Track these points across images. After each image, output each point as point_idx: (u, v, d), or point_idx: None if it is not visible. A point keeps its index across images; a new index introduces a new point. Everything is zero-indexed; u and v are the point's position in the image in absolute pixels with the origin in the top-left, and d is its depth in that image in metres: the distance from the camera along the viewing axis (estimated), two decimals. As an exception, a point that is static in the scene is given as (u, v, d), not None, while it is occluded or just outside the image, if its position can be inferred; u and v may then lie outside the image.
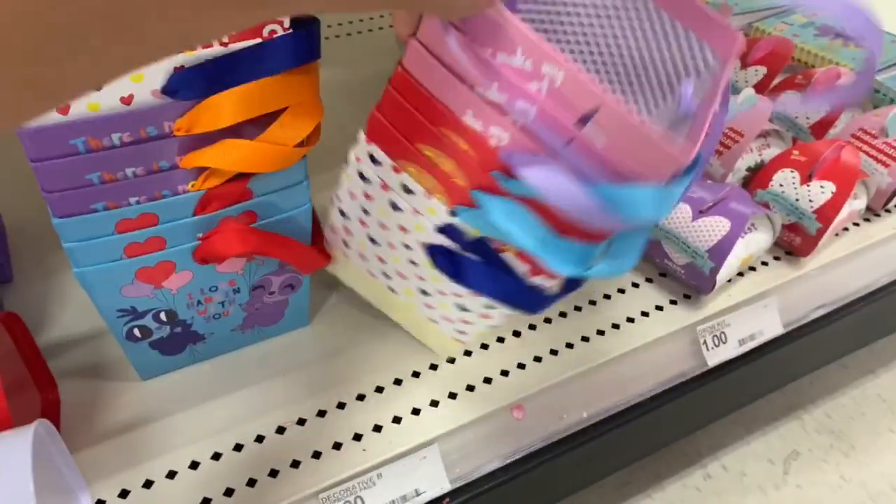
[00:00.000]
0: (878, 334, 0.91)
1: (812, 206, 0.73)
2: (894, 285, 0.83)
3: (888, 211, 0.85)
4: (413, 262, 0.55)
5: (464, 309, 0.57)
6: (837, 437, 0.94)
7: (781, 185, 0.76)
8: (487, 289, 0.52)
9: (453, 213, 0.49)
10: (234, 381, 0.64)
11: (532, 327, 0.70)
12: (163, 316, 0.58)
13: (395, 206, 0.52)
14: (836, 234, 0.81)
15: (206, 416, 0.62)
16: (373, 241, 0.57)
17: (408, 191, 0.51)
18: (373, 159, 0.50)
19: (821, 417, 0.96)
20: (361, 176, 0.52)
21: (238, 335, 0.65)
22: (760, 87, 0.92)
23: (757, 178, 0.78)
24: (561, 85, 0.40)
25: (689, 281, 0.72)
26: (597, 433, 0.67)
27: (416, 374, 0.65)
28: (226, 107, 0.43)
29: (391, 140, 0.48)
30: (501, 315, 0.55)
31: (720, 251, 0.68)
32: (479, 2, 0.34)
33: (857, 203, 0.78)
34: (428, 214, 0.51)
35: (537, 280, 0.50)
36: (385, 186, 0.51)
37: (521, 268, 0.50)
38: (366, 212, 0.55)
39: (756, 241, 0.73)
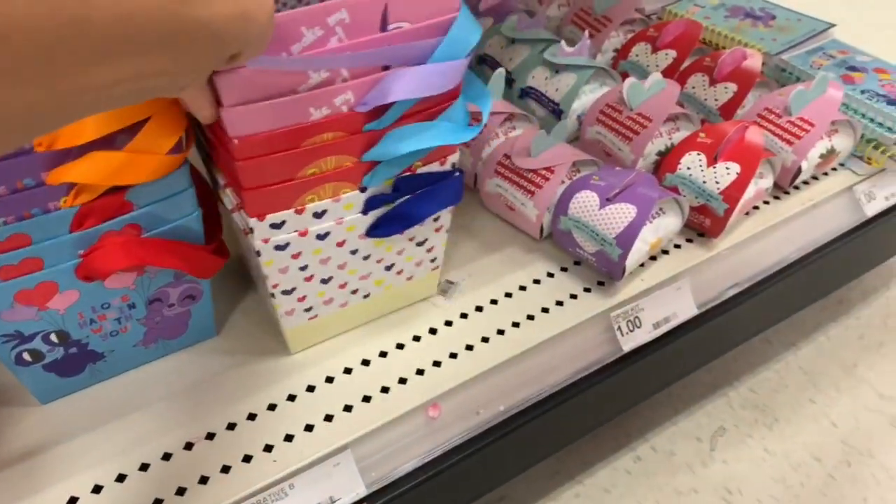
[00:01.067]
0: (793, 309, 0.94)
1: (718, 188, 0.74)
2: (805, 260, 0.85)
3: (796, 187, 0.87)
4: (366, 258, 0.61)
5: (420, 244, 0.64)
6: (762, 412, 0.96)
7: (689, 168, 0.76)
8: (434, 207, 0.61)
9: (364, 189, 0.55)
10: (139, 397, 0.62)
11: (448, 323, 0.70)
12: (53, 337, 0.56)
13: (321, 237, 0.56)
14: (747, 213, 0.82)
15: (111, 437, 0.60)
16: (325, 281, 0.61)
17: (319, 214, 0.54)
18: (274, 226, 0.53)
19: (746, 393, 0.98)
20: (278, 248, 0.55)
21: (142, 350, 0.63)
22: (671, 71, 0.93)
23: (666, 161, 0.79)
24: (350, 18, 0.45)
25: (601, 268, 0.72)
26: (515, 426, 0.67)
27: (329, 380, 0.64)
28: (87, 121, 0.41)
29: (275, 197, 0.51)
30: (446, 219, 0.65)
31: (627, 237, 0.68)
32: (264, 42, 0.35)
33: (763, 182, 0.80)
34: (348, 212, 0.56)
35: (441, 167, 0.59)
36: (303, 233, 0.55)
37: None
38: (303, 268, 0.58)
39: (665, 226, 0.74)
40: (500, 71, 0.79)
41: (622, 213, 0.69)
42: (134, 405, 0.62)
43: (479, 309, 0.72)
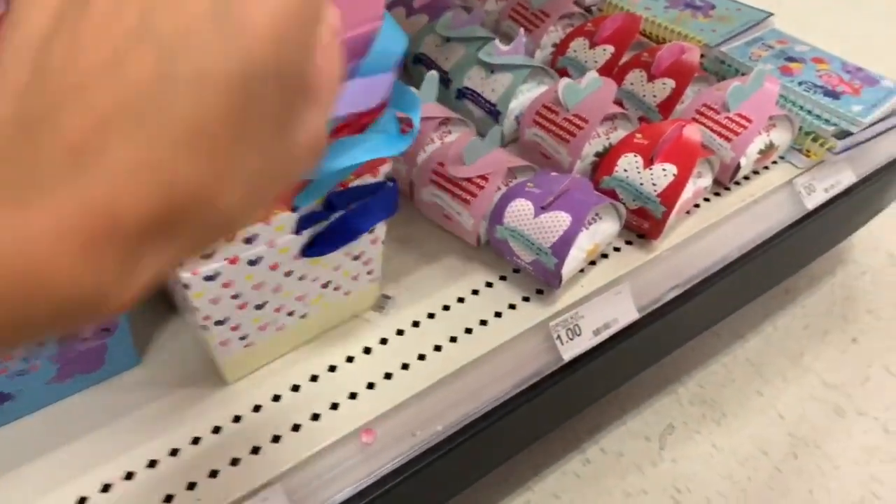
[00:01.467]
0: (738, 305, 0.93)
1: (655, 190, 0.73)
2: (747, 257, 0.84)
3: (737, 183, 0.86)
4: (301, 278, 0.59)
5: (357, 258, 0.62)
6: (710, 407, 0.96)
7: (626, 171, 0.75)
8: (370, 220, 0.59)
9: (295, 209, 0.53)
10: (54, 437, 0.59)
11: (384, 341, 0.68)
12: (-49, 382, 0.52)
13: (253, 262, 0.54)
14: (687, 212, 0.82)
15: (23, 482, 0.56)
16: (259, 307, 0.58)
17: (250, 239, 0.53)
18: (203, 256, 0.51)
19: (694, 388, 0.98)
20: (208, 279, 0.52)
21: (57, 387, 0.60)
22: (609, 67, 0.91)
23: (603, 163, 0.77)
24: None
25: (539, 276, 0.71)
26: (454, 445, 0.65)
27: (257, 409, 0.62)
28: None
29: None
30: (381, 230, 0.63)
31: (562, 246, 0.66)
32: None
33: (701, 181, 0.79)
34: (280, 234, 0.53)
35: (374, 179, 0.57)
36: (233, 260, 0.52)
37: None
38: (235, 297, 0.55)
39: (602, 231, 0.72)
40: (433, 74, 0.77)
41: (557, 222, 0.67)
42: (47, 445, 0.58)
43: (416, 324, 0.69)
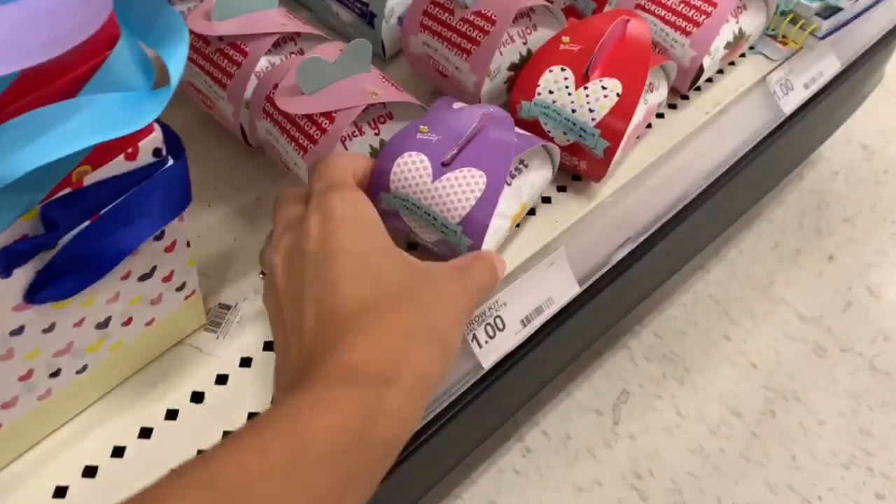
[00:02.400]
0: (701, 245, 0.75)
1: (594, 118, 0.52)
2: (714, 187, 0.65)
3: (697, 89, 0.65)
4: (50, 329, 0.37)
5: (147, 276, 0.41)
6: (669, 362, 0.80)
7: (552, 92, 0.53)
8: (139, 230, 0.37)
9: None
10: None
11: (222, 379, 0.47)
12: None
13: None
14: (638, 137, 0.61)
15: None
16: None
17: None
18: None
19: (650, 339, 0.81)
20: None
21: None
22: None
23: (519, 82, 0.55)
24: None
25: (446, 258, 0.50)
26: None
27: (25, 516, 0.41)
28: None
29: None
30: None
31: (478, 219, 0.45)
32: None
33: (654, 96, 0.58)
34: None
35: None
36: None
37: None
38: None
39: (529, 183, 0.51)
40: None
41: (466, 184, 0.46)
42: None
43: (269, 346, 0.49)
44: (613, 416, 0.75)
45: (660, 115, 0.63)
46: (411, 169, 0.47)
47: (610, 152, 0.53)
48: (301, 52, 0.56)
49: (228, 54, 0.53)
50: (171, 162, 0.36)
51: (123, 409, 0.45)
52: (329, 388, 0.30)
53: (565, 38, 0.55)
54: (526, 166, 0.51)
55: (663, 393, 0.77)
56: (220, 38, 0.53)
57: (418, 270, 0.36)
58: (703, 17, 0.59)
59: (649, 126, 0.62)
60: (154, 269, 0.41)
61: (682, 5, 0.60)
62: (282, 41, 0.55)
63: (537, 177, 0.52)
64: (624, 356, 0.80)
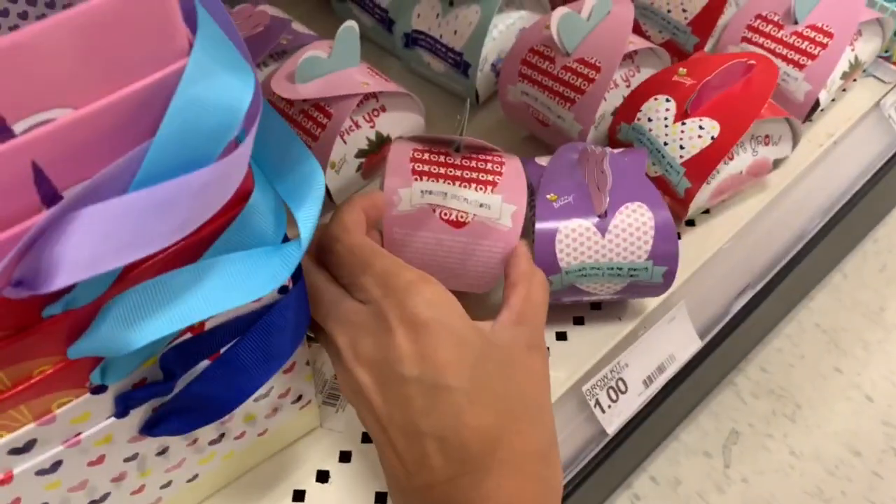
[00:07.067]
0: (818, 278, 0.71)
1: (682, 156, 0.50)
2: (833, 221, 0.61)
3: (810, 120, 0.62)
4: (163, 452, 0.36)
5: (263, 397, 0.39)
6: (778, 398, 0.76)
7: (650, 119, 0.51)
8: (260, 372, 0.34)
9: (100, 388, 0.29)
10: None
11: (346, 457, 0.46)
12: None
13: (44, 472, 0.31)
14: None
15: None
16: (100, 500, 0.36)
17: (20, 449, 0.29)
18: None
19: (756, 375, 0.78)
20: None
21: None
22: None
23: (625, 103, 0.53)
24: None
25: (630, 299, 0.49)
26: None
27: None
28: None
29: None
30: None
31: (664, 249, 0.44)
32: None
33: (769, 151, 0.54)
34: (86, 424, 0.31)
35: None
36: (4, 480, 0.29)
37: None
38: None
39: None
40: (350, 25, 0.51)
41: (634, 221, 0.45)
42: None
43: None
44: (724, 458, 0.72)
45: (771, 151, 0.60)
46: (575, 238, 0.45)
47: (690, 193, 0.50)
48: (384, 110, 0.55)
49: (313, 116, 0.52)
50: (292, 293, 0.33)
51: (244, 497, 0.44)
52: None
53: (682, 70, 0.53)
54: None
55: (775, 432, 0.74)
56: (304, 101, 0.52)
57: (502, 350, 0.34)
58: (819, 49, 0.56)
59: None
60: (271, 389, 0.39)
61: (795, 37, 0.57)
62: (364, 99, 0.54)
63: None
64: (730, 393, 0.76)
